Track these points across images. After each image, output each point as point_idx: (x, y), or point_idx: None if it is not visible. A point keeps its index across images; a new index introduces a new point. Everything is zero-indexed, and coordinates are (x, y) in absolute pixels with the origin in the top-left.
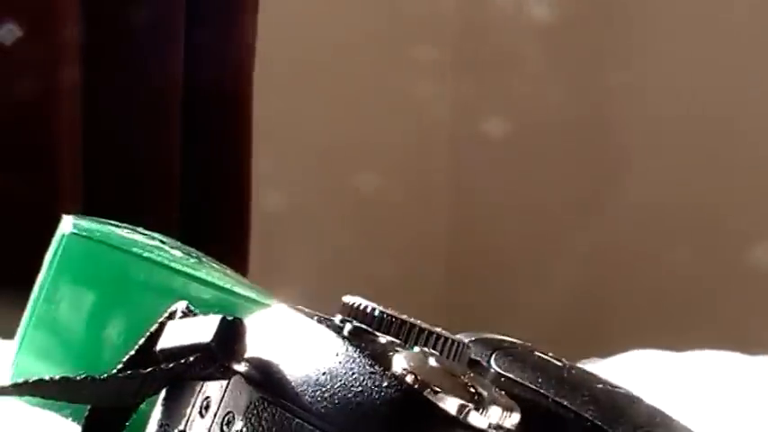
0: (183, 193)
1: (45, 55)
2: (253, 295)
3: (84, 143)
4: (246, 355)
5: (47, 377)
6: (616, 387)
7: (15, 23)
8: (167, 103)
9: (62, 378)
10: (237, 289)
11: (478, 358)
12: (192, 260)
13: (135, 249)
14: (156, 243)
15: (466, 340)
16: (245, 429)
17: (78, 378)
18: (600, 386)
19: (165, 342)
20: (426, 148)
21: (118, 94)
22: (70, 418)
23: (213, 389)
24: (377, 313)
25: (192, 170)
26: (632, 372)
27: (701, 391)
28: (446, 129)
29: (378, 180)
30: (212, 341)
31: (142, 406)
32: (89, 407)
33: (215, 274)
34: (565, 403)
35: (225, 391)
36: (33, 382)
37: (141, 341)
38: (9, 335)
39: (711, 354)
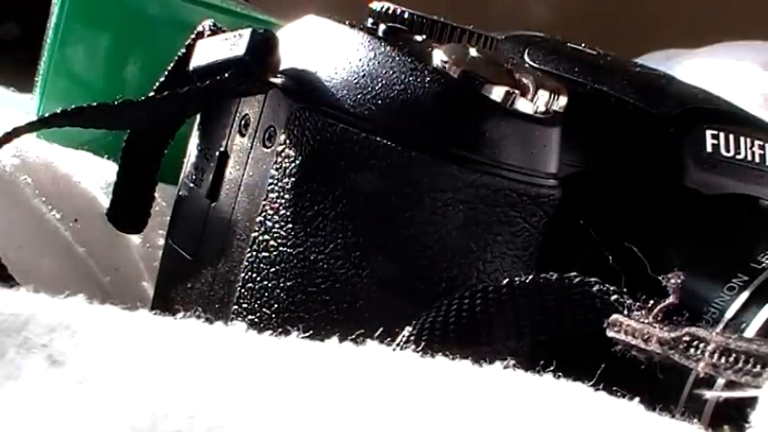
0: None
1: None
2: (273, 20)
3: None
4: (282, 67)
5: (86, 105)
6: (654, 70)
7: None
8: None
9: (101, 104)
10: (256, 14)
11: (511, 55)
12: None
13: None
14: None
15: (499, 37)
16: (288, 141)
17: (117, 103)
18: (638, 69)
19: (197, 61)
20: None
21: None
22: (105, 156)
23: (250, 106)
24: (407, 15)
25: None
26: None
27: (726, 82)
28: None
29: None
30: (246, 54)
31: (181, 130)
32: (125, 138)
33: (230, 2)
34: (605, 89)
35: (263, 106)
36: (73, 110)
37: (172, 64)
38: (26, 89)
39: (729, 45)
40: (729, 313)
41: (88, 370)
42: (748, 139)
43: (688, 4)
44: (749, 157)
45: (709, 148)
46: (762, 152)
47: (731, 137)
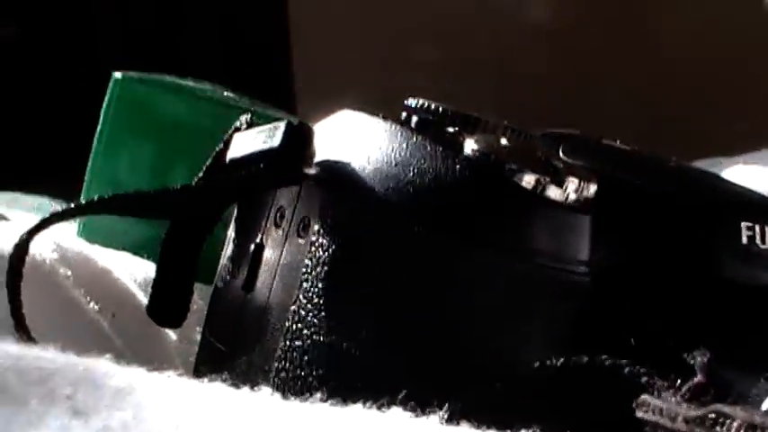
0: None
1: None
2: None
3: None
4: (316, 159)
5: (122, 193)
6: (688, 164)
7: None
8: None
9: (137, 192)
10: (292, 119)
11: (545, 150)
12: (245, 99)
13: (189, 90)
14: (207, 86)
15: (534, 134)
16: (321, 230)
17: (152, 191)
18: (672, 163)
19: (234, 152)
20: None
21: None
22: (145, 255)
23: (286, 198)
24: (440, 109)
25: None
26: None
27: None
28: None
29: None
30: (281, 146)
31: (217, 232)
32: (162, 237)
33: (270, 109)
34: (638, 181)
35: (298, 197)
36: (110, 197)
37: (210, 160)
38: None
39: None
40: (766, 405)
41: (111, 422)
42: None
43: (735, 112)
44: None
45: (744, 240)
46: None
47: (767, 228)
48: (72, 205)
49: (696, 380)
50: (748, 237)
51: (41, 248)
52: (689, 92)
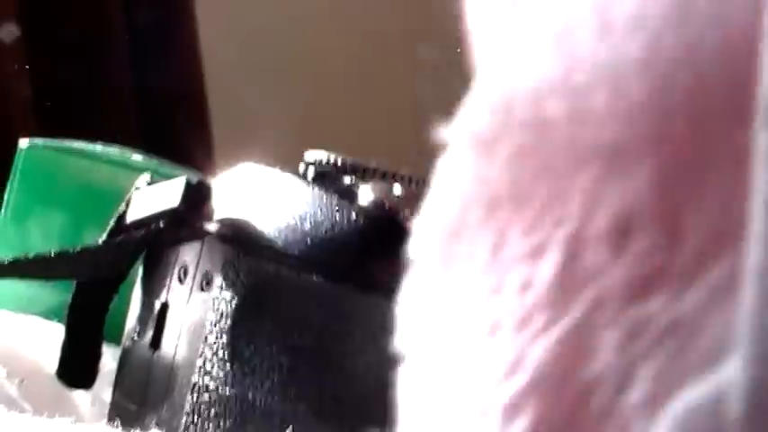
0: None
1: None
2: None
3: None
4: (216, 214)
5: (22, 256)
6: None
7: None
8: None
9: (37, 255)
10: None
11: None
12: (154, 161)
13: (95, 155)
14: (115, 149)
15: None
16: (223, 284)
17: (53, 254)
18: None
19: (134, 213)
20: None
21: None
22: (55, 319)
23: (188, 255)
24: (337, 161)
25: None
26: None
27: None
28: None
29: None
30: (180, 204)
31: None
32: (69, 299)
33: (178, 169)
34: None
35: (200, 253)
36: (12, 262)
37: (112, 221)
38: None
39: None
40: None
41: None
42: None
43: None
44: None
45: None
46: None
47: None
48: None
49: None
50: None
51: None
52: None
